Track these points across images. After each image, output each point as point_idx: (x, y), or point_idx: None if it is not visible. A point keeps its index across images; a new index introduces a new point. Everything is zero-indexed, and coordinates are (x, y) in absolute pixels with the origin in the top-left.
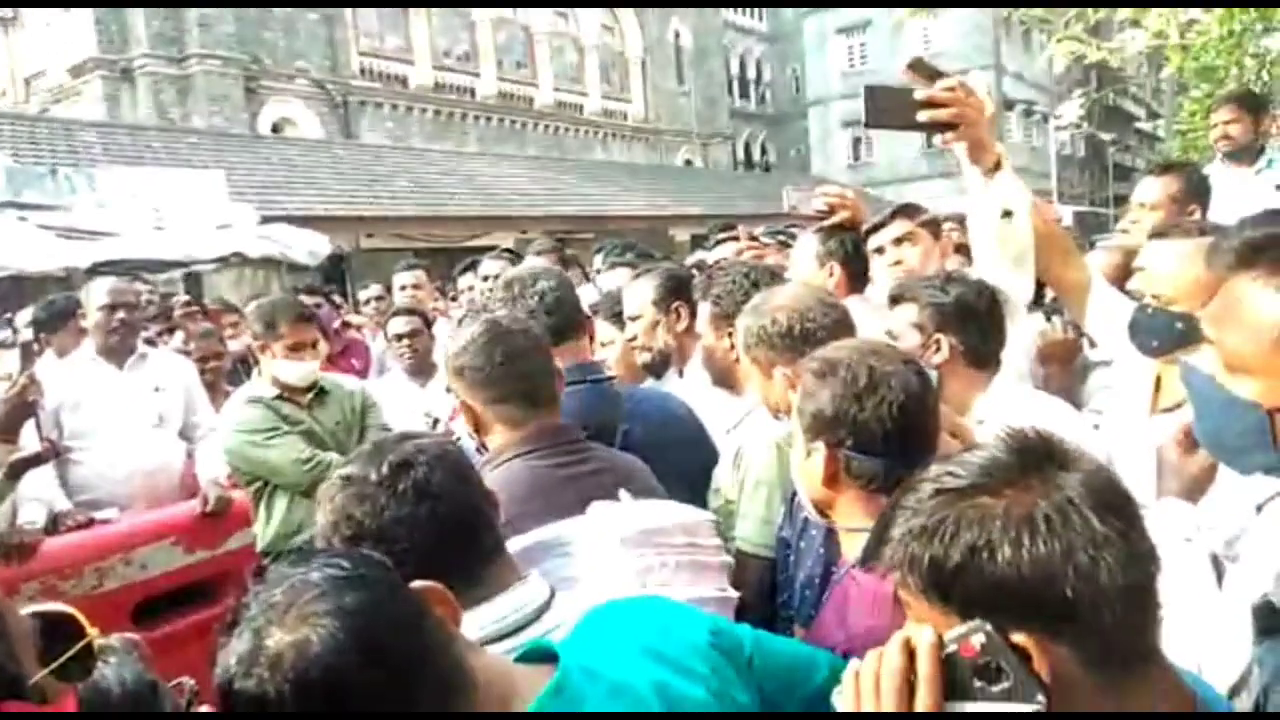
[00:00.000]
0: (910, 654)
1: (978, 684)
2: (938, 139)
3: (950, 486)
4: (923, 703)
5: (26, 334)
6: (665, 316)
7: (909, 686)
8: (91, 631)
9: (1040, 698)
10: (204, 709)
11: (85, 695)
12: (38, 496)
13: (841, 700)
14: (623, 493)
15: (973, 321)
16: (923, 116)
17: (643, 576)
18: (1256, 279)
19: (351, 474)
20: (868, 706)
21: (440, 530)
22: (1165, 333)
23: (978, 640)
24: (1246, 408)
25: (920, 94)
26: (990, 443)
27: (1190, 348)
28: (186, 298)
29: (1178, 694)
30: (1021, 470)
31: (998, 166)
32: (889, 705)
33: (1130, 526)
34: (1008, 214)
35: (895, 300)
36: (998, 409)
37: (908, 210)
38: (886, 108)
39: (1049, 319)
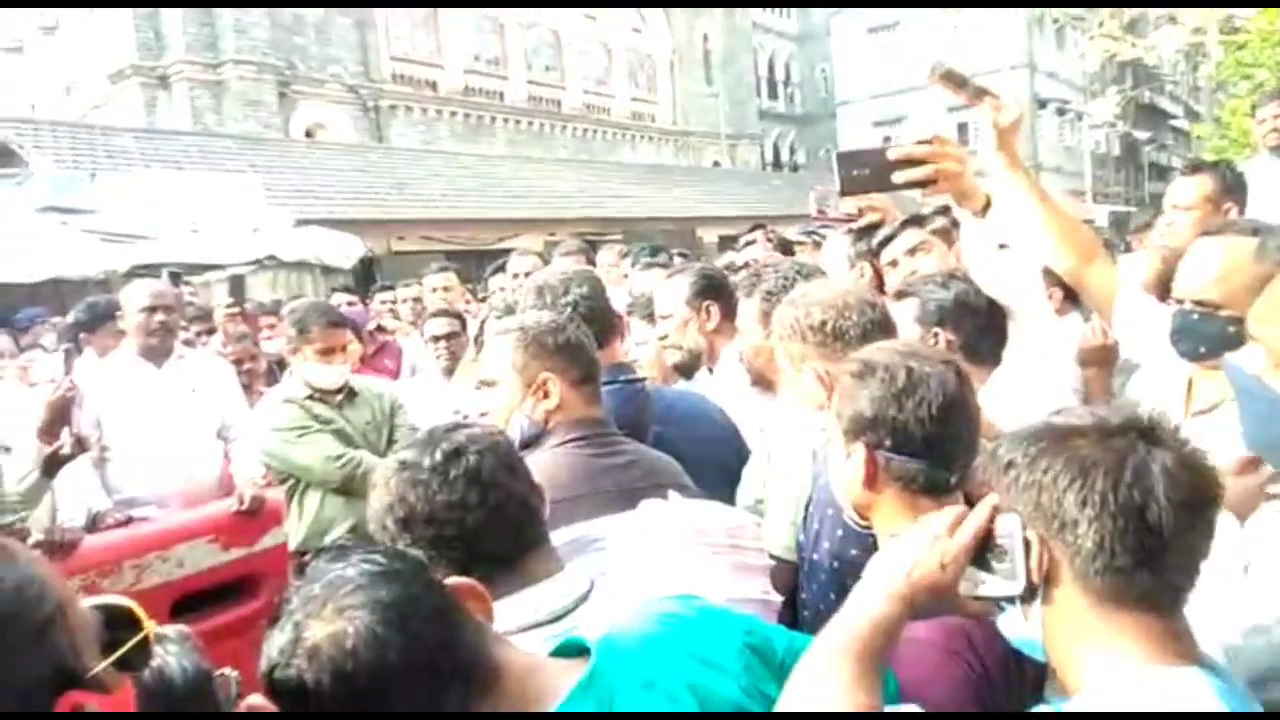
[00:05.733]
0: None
1: (988, 556)
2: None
3: (1065, 420)
4: (958, 540)
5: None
6: (696, 315)
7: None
8: (149, 624)
9: (1021, 586)
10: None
11: (151, 681)
12: (77, 495)
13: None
14: (671, 492)
15: (971, 318)
16: (899, 177)
17: (683, 575)
18: None
19: (407, 459)
20: (917, 531)
21: (487, 517)
22: (1215, 338)
23: (1004, 525)
24: None
25: (894, 153)
26: (1118, 406)
27: (1217, 359)
28: (230, 300)
29: (1167, 645)
30: (1115, 428)
31: (988, 205)
32: (937, 530)
33: (1179, 507)
34: (1003, 246)
35: (899, 296)
36: (995, 403)
37: (917, 220)
38: (859, 174)
39: (1087, 321)
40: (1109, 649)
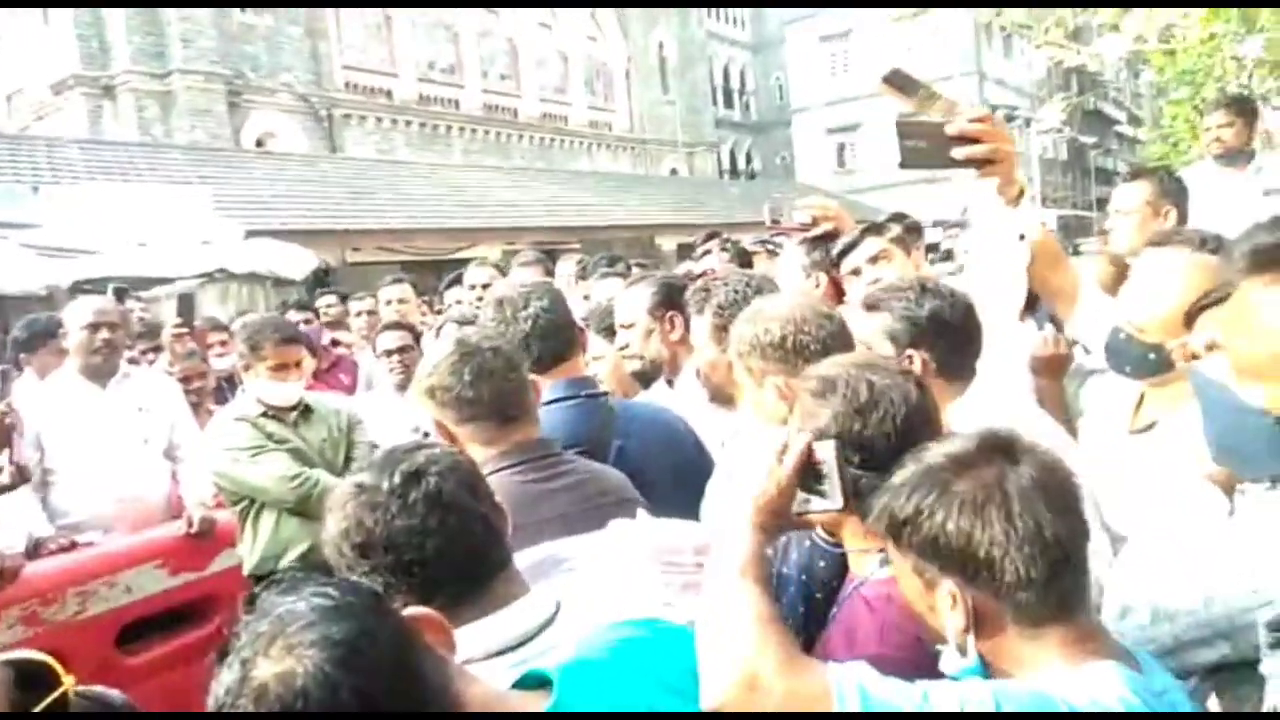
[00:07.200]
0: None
1: (812, 481)
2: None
3: (929, 461)
4: (785, 467)
5: None
6: (659, 325)
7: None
8: (66, 680)
9: (839, 503)
10: None
11: (90, 698)
12: (18, 521)
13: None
14: (640, 511)
15: (946, 335)
16: (959, 154)
17: (649, 596)
18: (1268, 285)
19: (364, 482)
20: (757, 462)
21: (448, 541)
22: (1137, 361)
23: (821, 451)
24: (1256, 414)
25: (951, 129)
26: (968, 434)
27: (1161, 376)
28: (178, 321)
29: (1085, 644)
30: (979, 458)
31: (1020, 195)
32: (768, 459)
33: (1060, 512)
34: (1021, 238)
35: (870, 308)
36: (972, 418)
37: (876, 229)
38: (918, 145)
39: (1041, 328)
40: (1041, 660)
